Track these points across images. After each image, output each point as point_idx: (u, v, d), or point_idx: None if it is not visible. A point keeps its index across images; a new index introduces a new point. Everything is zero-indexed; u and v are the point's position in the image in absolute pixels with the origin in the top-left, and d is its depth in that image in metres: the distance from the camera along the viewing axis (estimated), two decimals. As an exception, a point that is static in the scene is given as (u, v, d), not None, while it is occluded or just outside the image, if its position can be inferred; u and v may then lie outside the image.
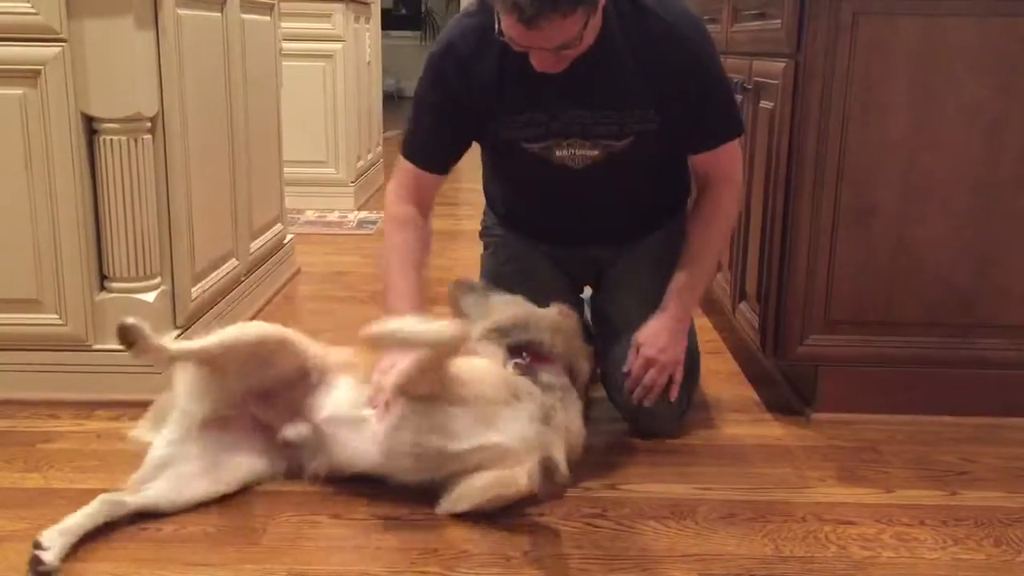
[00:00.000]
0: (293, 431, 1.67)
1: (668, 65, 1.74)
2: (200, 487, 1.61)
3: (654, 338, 1.84)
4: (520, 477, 1.54)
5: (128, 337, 1.53)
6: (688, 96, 1.77)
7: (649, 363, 1.83)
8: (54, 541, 1.42)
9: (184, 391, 1.65)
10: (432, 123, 1.85)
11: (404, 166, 1.89)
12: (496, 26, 1.63)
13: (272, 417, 1.69)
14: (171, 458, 1.61)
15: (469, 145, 1.90)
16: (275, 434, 1.67)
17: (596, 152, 1.81)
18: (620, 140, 1.79)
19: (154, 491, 1.58)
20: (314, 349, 1.72)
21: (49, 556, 1.39)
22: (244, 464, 1.66)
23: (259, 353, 1.64)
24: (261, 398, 1.68)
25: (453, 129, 1.85)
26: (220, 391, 1.64)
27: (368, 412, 1.64)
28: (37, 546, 1.39)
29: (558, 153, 1.81)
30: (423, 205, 1.90)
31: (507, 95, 1.77)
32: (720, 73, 1.83)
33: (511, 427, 1.59)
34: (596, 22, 1.65)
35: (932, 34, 1.86)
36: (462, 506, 1.58)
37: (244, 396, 1.67)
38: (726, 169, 1.88)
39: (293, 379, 1.68)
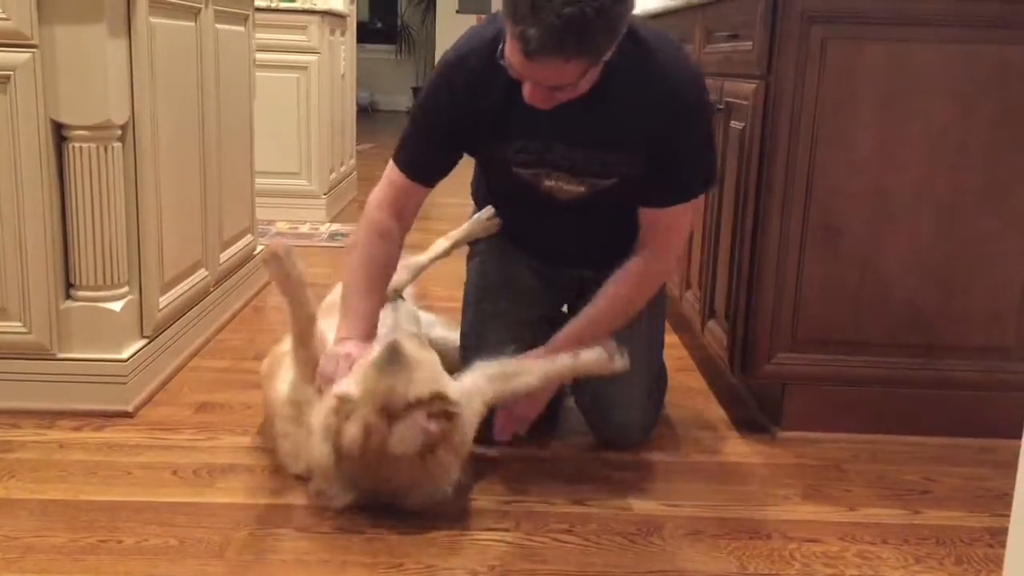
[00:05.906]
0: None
1: (661, 111, 1.69)
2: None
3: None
4: None
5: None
6: (667, 145, 1.73)
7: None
8: None
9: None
10: (429, 134, 1.81)
11: (393, 174, 1.84)
12: (500, 46, 1.61)
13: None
14: None
15: (460, 158, 1.86)
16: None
17: (582, 188, 1.79)
18: (605, 180, 1.78)
19: None
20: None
21: None
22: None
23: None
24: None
25: (450, 142, 1.81)
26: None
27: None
28: None
29: (546, 183, 1.80)
30: (405, 219, 1.85)
31: (510, 118, 1.73)
32: (705, 132, 1.78)
33: None
34: (594, 74, 1.61)
35: (898, 59, 1.89)
36: None
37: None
38: (668, 234, 1.82)
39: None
